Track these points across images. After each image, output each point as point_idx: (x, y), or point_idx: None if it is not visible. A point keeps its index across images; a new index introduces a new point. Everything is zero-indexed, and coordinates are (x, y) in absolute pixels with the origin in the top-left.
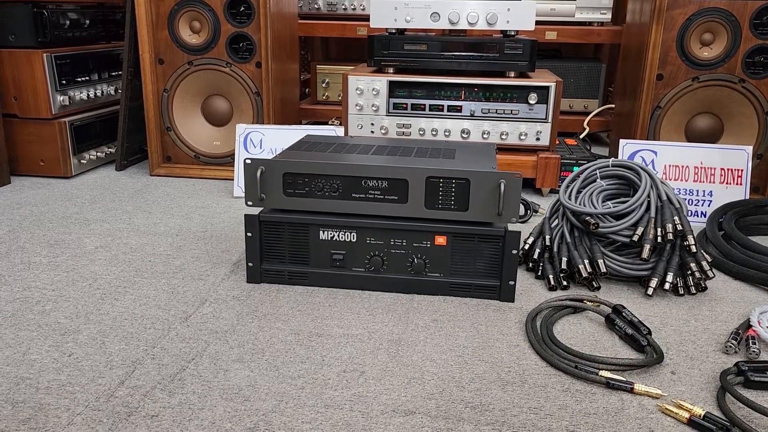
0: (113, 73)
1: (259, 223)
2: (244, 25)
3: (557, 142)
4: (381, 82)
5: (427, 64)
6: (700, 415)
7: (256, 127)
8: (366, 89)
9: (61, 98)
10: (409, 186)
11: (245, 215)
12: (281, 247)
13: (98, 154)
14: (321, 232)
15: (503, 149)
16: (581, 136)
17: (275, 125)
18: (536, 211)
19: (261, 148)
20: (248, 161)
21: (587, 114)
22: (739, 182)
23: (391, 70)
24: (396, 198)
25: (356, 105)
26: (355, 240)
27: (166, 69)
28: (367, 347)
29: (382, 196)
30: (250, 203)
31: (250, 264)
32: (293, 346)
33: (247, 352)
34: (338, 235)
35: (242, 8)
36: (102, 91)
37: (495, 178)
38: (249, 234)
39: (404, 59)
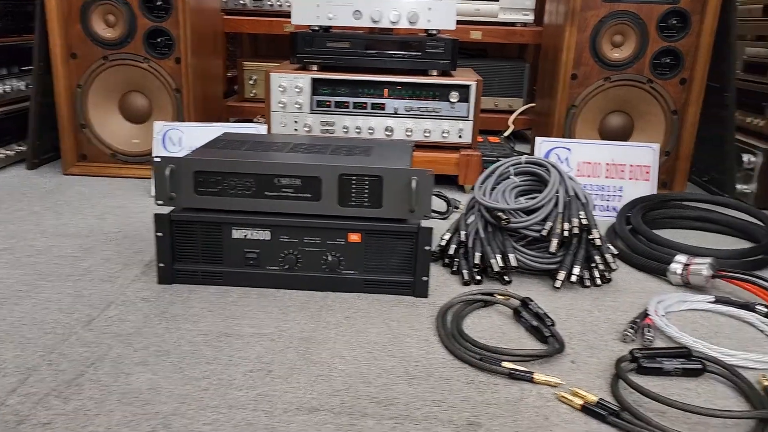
0: (24, 68)
1: (169, 223)
2: (161, 20)
3: (481, 140)
4: (304, 80)
5: (351, 61)
6: (593, 402)
7: (175, 125)
8: (289, 87)
9: None
10: (322, 183)
11: (155, 215)
12: (194, 247)
13: (8, 152)
14: (234, 231)
15: (427, 147)
16: (505, 135)
17: (196, 123)
18: (457, 208)
19: (180, 146)
20: (157, 159)
21: (512, 112)
22: (646, 178)
23: (314, 67)
24: (309, 196)
25: (279, 103)
26: (269, 238)
27: (79, 64)
28: (277, 346)
29: (295, 194)
30: (160, 202)
31: (161, 264)
32: (200, 347)
33: (152, 355)
34: (252, 234)
35: (159, 2)
36: (12, 87)
37: (407, 175)
38: (159, 234)
39: (328, 57)
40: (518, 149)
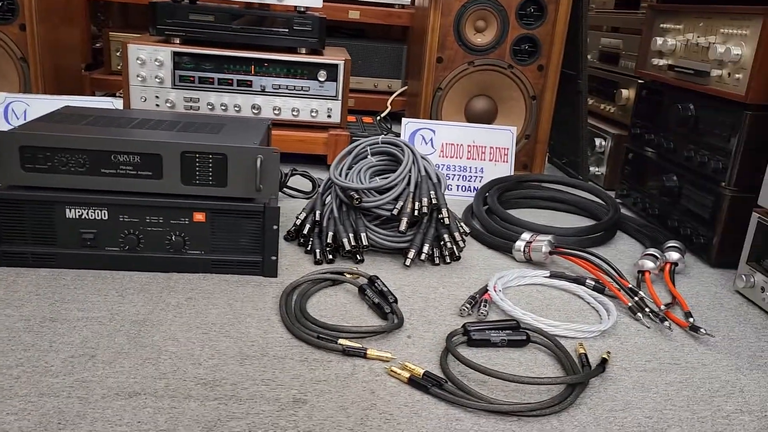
0: None
1: None
2: None
3: (354, 120)
4: (165, 53)
5: (215, 36)
6: (419, 375)
7: (19, 97)
8: (148, 60)
9: None
10: (163, 161)
11: None
12: (22, 227)
13: None
14: (68, 211)
15: (296, 126)
16: (382, 115)
17: (44, 95)
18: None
19: (25, 119)
20: None
21: (391, 93)
22: (505, 160)
23: (177, 40)
24: (150, 174)
25: (138, 76)
26: (106, 218)
27: None
28: (106, 330)
29: (135, 172)
30: None
31: None
32: (19, 333)
33: None
34: (87, 213)
35: None
36: None
37: (252, 154)
38: None
39: (190, 30)
40: (395, 130)
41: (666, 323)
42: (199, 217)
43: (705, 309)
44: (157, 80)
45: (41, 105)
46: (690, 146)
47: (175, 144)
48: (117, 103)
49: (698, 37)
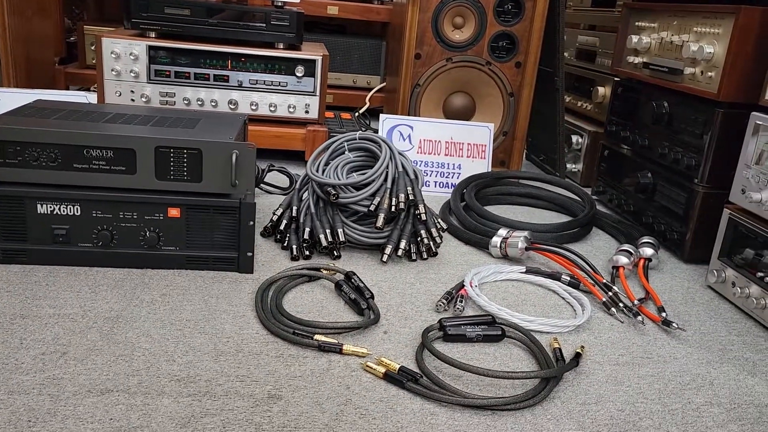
0: None
1: None
2: None
3: (332, 116)
4: (140, 47)
5: (191, 30)
6: (395, 370)
7: None
8: (123, 54)
9: None
10: (137, 156)
11: None
12: None
13: None
14: (39, 206)
15: (273, 121)
16: (361, 111)
17: (15, 89)
18: None
19: None
20: None
21: (370, 90)
22: (483, 156)
23: (152, 34)
24: (124, 169)
25: (113, 70)
26: (79, 213)
27: None
28: (78, 327)
29: (108, 167)
30: None
31: None
32: None
33: None
34: (60, 209)
35: None
36: None
37: (227, 149)
38: None
39: (165, 24)
40: (374, 127)
41: (639, 318)
42: (173, 212)
43: (678, 304)
44: (132, 75)
45: (12, 99)
46: (664, 143)
47: (149, 139)
48: (91, 98)
49: (672, 35)
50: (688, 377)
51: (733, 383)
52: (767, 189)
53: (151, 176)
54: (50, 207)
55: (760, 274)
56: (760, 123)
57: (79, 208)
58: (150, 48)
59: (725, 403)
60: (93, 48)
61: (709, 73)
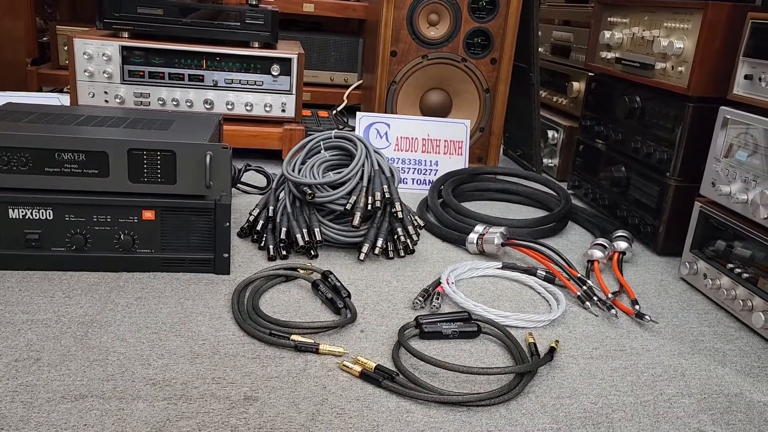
0: None
1: None
2: None
3: (309, 114)
4: (113, 48)
5: (165, 30)
6: (371, 368)
7: None
8: (96, 54)
9: None
10: (110, 159)
11: None
12: None
13: None
14: (11, 211)
15: (250, 121)
16: (338, 109)
17: None
18: None
19: None
20: None
21: (348, 87)
22: (459, 153)
23: (125, 34)
24: (96, 172)
25: (85, 71)
26: (51, 218)
27: None
28: (52, 332)
29: (80, 170)
30: None
31: None
32: None
33: None
34: (31, 213)
35: None
36: None
37: (201, 150)
38: None
39: (138, 24)
40: (351, 124)
41: (613, 311)
42: (148, 215)
43: (651, 296)
44: (106, 75)
45: None
46: (637, 138)
47: (122, 141)
48: (64, 99)
49: (643, 30)
50: (660, 369)
51: (704, 374)
52: (736, 182)
53: (125, 179)
54: (22, 212)
55: (730, 265)
56: (729, 117)
57: (51, 212)
58: (123, 48)
59: (696, 394)
60: (66, 48)
61: (680, 68)
